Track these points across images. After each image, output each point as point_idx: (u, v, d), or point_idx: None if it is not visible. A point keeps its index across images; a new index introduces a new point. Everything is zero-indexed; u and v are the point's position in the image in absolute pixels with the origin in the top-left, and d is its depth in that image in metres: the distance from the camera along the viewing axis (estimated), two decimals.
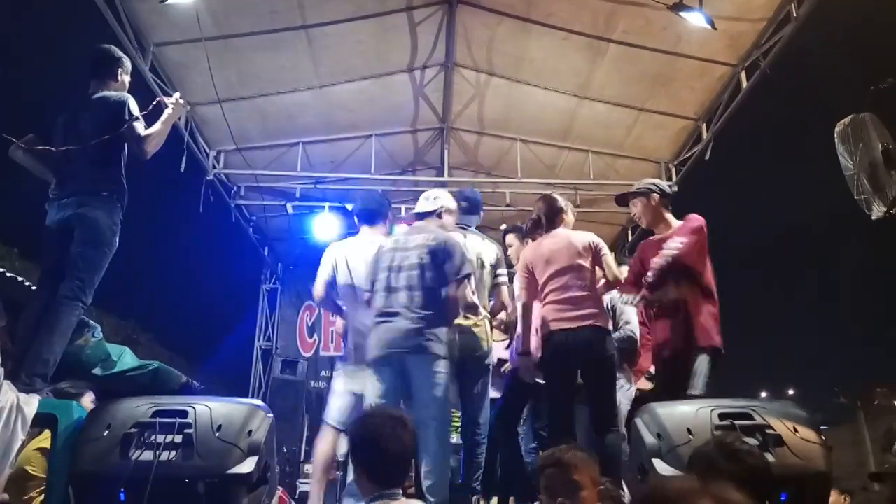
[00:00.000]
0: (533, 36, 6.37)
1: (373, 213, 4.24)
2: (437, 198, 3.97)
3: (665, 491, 1.22)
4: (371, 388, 3.51)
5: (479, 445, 3.80)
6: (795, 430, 2.88)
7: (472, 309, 3.80)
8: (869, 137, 3.88)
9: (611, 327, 3.92)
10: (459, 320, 3.75)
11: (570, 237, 3.87)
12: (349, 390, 3.87)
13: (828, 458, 2.83)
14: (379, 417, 2.29)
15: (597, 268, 3.79)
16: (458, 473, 3.90)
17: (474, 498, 3.80)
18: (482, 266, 4.04)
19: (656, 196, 3.91)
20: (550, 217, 3.92)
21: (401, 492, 2.22)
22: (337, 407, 3.89)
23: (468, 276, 3.62)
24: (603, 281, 3.82)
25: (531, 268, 3.85)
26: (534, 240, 4.04)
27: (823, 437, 2.89)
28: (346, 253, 4.05)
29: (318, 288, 4.02)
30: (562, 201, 4.01)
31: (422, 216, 3.95)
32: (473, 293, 3.72)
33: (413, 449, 2.28)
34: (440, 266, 3.58)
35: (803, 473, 2.66)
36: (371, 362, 3.53)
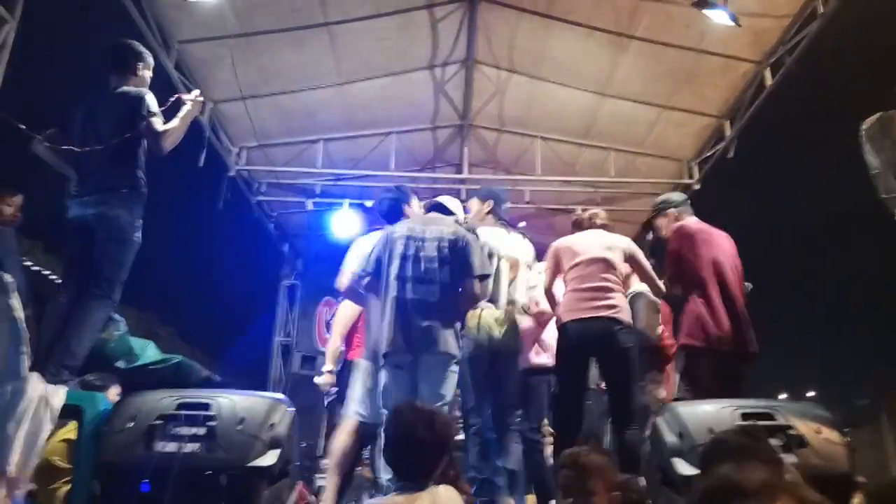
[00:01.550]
0: (554, 33, 6.34)
1: (393, 210, 4.25)
2: (461, 208, 4.05)
3: (740, 484, 1.15)
4: (382, 381, 3.47)
5: (505, 437, 3.78)
6: (818, 431, 2.85)
7: (493, 301, 3.81)
8: (895, 135, 3.81)
9: (632, 322, 3.90)
10: (497, 315, 3.75)
11: (603, 234, 3.92)
12: (368, 383, 3.85)
13: (851, 459, 2.80)
14: (407, 414, 2.29)
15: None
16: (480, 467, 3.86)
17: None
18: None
19: (672, 211, 4.07)
20: (592, 222, 4.07)
21: (430, 483, 2.23)
22: (356, 399, 3.87)
23: (488, 277, 3.61)
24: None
25: (559, 255, 3.91)
26: None
27: (847, 439, 2.86)
28: (368, 243, 4.05)
29: (344, 279, 4.00)
30: (603, 215, 4.14)
31: (442, 210, 3.94)
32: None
33: (446, 441, 2.28)
34: (459, 261, 3.51)
35: (826, 475, 2.63)
36: (384, 355, 3.46)
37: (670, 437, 3.07)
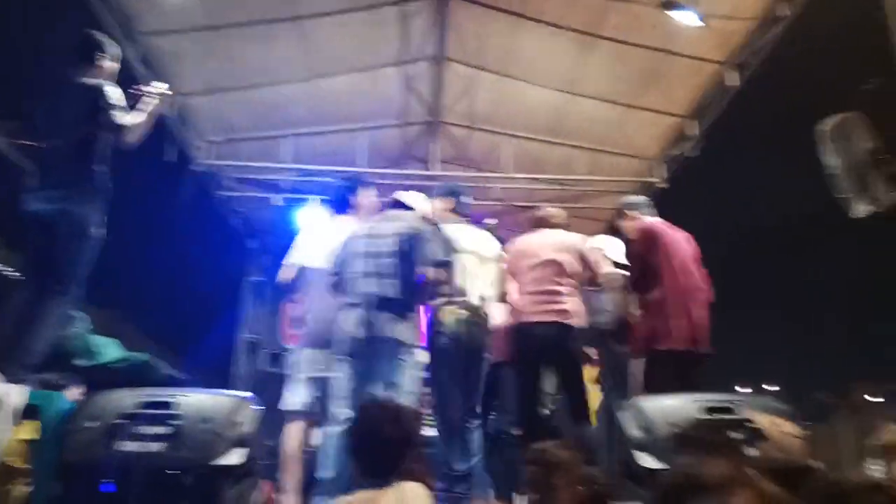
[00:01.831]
0: (525, 31, 6.36)
1: (341, 200, 4.28)
2: (423, 201, 4.10)
3: (700, 478, 1.16)
4: (340, 374, 3.51)
5: (472, 433, 3.80)
6: (777, 425, 2.92)
7: (461, 295, 3.83)
8: (855, 137, 3.92)
9: (583, 323, 3.99)
10: (463, 309, 3.78)
11: (557, 234, 3.96)
12: (309, 376, 3.87)
13: (808, 451, 2.88)
14: (373, 410, 2.30)
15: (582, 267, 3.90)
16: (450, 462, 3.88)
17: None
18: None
19: (634, 213, 4.28)
20: (546, 221, 4.13)
21: (396, 479, 2.23)
22: (300, 393, 3.89)
23: (447, 263, 3.66)
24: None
25: (513, 258, 4.01)
26: None
27: (805, 432, 2.94)
28: (318, 238, 4.09)
29: (286, 273, 4.11)
30: (561, 215, 4.16)
31: (401, 206, 3.99)
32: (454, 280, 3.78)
33: (412, 436, 2.29)
34: (415, 253, 3.58)
35: (784, 467, 2.70)
36: (339, 349, 3.52)
37: (634, 431, 3.12)
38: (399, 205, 4.02)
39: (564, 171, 7.88)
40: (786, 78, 6.92)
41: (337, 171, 7.75)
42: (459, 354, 3.80)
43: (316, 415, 3.90)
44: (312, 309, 3.99)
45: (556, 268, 3.82)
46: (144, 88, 3.37)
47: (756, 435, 2.77)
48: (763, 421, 2.89)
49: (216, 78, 6.40)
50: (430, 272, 3.58)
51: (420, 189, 8.28)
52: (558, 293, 3.77)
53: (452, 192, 4.44)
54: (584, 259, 3.92)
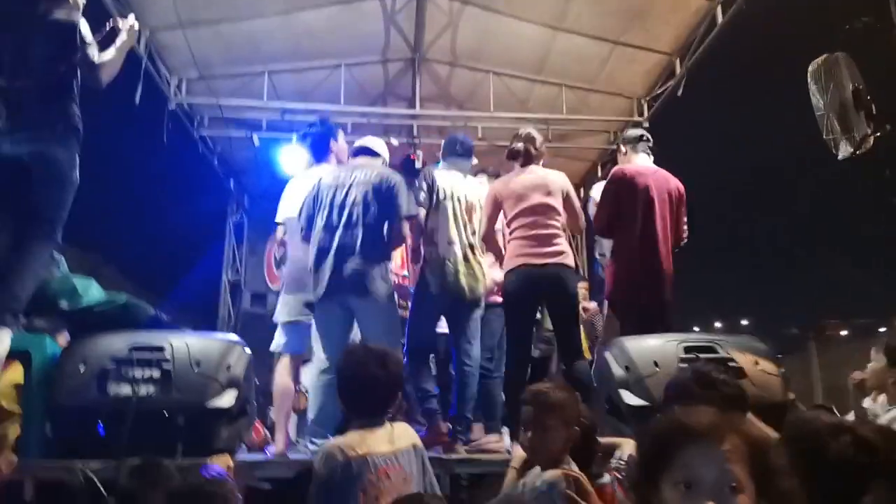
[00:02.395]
0: None
1: (319, 145, 4.24)
2: (386, 147, 4.11)
3: (689, 425, 1.17)
4: (316, 326, 3.61)
5: (471, 377, 3.91)
6: (756, 363, 3.03)
7: (450, 243, 3.88)
8: (840, 77, 3.92)
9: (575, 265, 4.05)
10: (459, 258, 3.86)
11: (545, 176, 3.93)
12: (293, 319, 3.96)
13: (785, 388, 3.00)
14: (359, 353, 2.34)
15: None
16: (449, 406, 4.01)
17: (473, 426, 3.95)
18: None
19: (624, 147, 4.26)
20: (528, 154, 3.96)
21: (384, 419, 2.30)
22: (280, 335, 4.01)
23: (414, 217, 3.71)
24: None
25: (499, 201, 3.93)
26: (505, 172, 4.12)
27: (782, 370, 3.05)
28: (298, 188, 4.10)
29: (279, 233, 4.22)
30: (540, 141, 4.05)
31: (369, 153, 3.96)
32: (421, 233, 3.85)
33: (398, 380, 2.34)
34: (385, 203, 3.62)
35: (762, 403, 2.81)
36: (315, 299, 3.60)
37: (617, 370, 3.22)
38: (365, 150, 3.99)
39: (548, 109, 7.78)
40: (772, 16, 6.83)
41: (317, 110, 7.62)
42: (449, 303, 3.90)
43: (302, 355, 4.00)
44: (290, 256, 4.08)
45: (549, 210, 3.82)
46: (119, 24, 3.23)
47: (737, 373, 2.87)
48: (743, 360, 2.98)
49: (188, 10, 6.13)
50: (403, 226, 3.64)
51: (403, 128, 8.23)
52: (554, 235, 3.78)
53: (454, 142, 4.40)
54: (569, 203, 3.92)
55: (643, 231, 3.85)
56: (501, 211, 3.92)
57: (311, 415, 3.56)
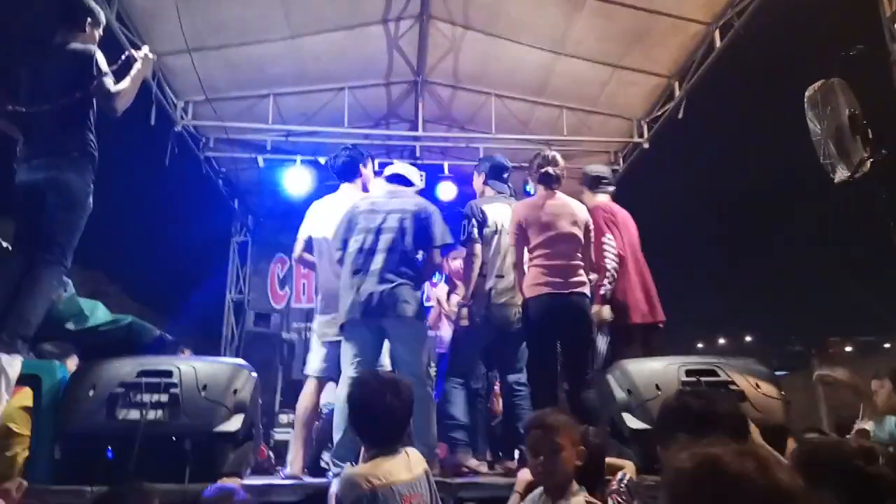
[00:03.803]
0: None
1: (349, 168, 4.28)
2: (422, 178, 4.19)
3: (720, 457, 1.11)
4: (346, 347, 3.61)
5: (524, 398, 3.96)
6: (757, 386, 3.06)
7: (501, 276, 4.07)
8: (837, 103, 3.98)
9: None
10: (506, 289, 4.02)
11: (570, 205, 3.94)
12: (323, 342, 3.99)
13: (787, 411, 3.03)
14: (373, 383, 2.35)
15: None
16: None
17: None
18: None
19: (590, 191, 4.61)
20: (560, 181, 4.02)
21: (399, 447, 2.32)
22: (315, 359, 4.02)
23: (449, 246, 3.79)
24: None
25: (524, 226, 3.88)
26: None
27: (783, 393, 3.08)
28: (325, 209, 4.12)
29: (298, 247, 4.13)
30: (563, 165, 4.12)
31: (403, 181, 4.00)
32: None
33: (411, 407, 2.36)
34: (420, 232, 3.68)
35: (764, 426, 2.84)
36: (346, 322, 3.61)
37: (619, 393, 3.25)
38: (399, 178, 4.03)
39: (549, 130, 7.87)
40: (769, 40, 6.92)
41: (321, 132, 7.71)
42: (495, 335, 4.07)
43: (330, 378, 4.01)
44: (321, 278, 4.11)
45: (574, 241, 3.85)
46: (134, 54, 3.31)
47: (738, 396, 2.90)
48: (744, 382, 3.01)
49: (195, 36, 6.22)
50: (436, 255, 3.72)
51: (405, 149, 8.30)
52: (578, 266, 3.80)
53: (484, 164, 4.53)
54: (588, 236, 3.96)
55: (633, 260, 4.36)
56: (527, 238, 3.89)
57: (336, 436, 3.51)
